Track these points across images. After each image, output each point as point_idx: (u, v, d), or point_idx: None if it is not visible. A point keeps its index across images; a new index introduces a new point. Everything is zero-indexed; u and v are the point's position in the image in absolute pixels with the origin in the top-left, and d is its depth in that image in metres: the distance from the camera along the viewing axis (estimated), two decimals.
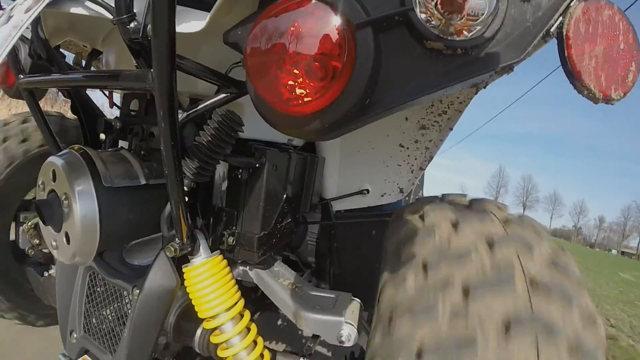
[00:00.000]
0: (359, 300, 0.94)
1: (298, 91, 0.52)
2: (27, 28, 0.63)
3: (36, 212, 0.77)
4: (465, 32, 0.51)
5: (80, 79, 0.81)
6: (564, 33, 0.54)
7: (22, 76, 0.84)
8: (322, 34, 0.50)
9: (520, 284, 0.59)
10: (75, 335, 0.93)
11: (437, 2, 0.50)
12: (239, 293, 0.81)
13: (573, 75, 0.54)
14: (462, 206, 0.82)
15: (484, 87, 0.88)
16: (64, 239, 0.77)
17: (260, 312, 1.32)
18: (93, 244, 0.76)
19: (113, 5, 0.63)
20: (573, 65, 0.54)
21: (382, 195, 1.23)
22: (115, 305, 0.89)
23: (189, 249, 0.77)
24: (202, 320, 0.80)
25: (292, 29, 0.51)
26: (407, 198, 1.37)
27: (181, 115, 0.74)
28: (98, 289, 0.92)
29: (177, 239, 0.75)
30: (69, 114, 1.39)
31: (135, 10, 0.62)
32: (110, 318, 0.90)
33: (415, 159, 1.16)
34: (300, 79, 0.52)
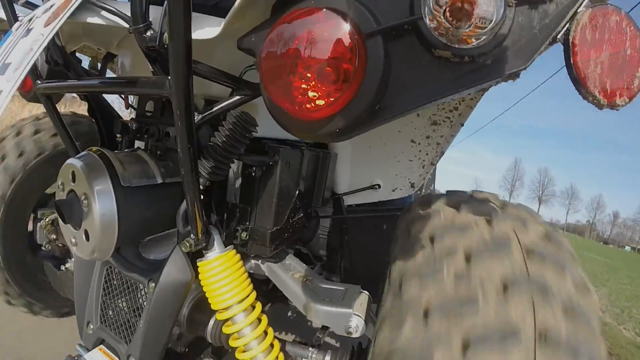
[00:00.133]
0: (368, 293, 0.95)
1: (311, 94, 0.54)
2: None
3: (56, 211, 0.79)
4: (473, 40, 0.52)
5: (97, 85, 0.82)
6: (570, 40, 0.55)
7: (39, 82, 0.84)
8: (334, 39, 0.52)
9: (516, 252, 0.65)
10: (91, 327, 0.97)
11: (445, 11, 0.51)
12: (251, 286, 0.83)
13: (578, 82, 0.55)
14: (463, 194, 0.91)
15: (495, 84, 0.89)
16: (83, 236, 0.79)
17: (271, 304, 1.34)
18: (111, 240, 0.79)
19: (129, 14, 0.63)
20: (578, 72, 0.55)
21: (394, 190, 1.25)
22: (131, 298, 0.92)
23: (204, 244, 0.79)
24: (214, 311, 0.82)
25: (305, 34, 0.53)
26: (418, 192, 1.38)
27: (197, 118, 0.75)
28: (114, 283, 0.95)
29: (192, 235, 0.76)
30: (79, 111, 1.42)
31: (150, 19, 0.63)
32: (126, 310, 0.93)
33: (427, 154, 1.18)
34: (313, 82, 0.54)
